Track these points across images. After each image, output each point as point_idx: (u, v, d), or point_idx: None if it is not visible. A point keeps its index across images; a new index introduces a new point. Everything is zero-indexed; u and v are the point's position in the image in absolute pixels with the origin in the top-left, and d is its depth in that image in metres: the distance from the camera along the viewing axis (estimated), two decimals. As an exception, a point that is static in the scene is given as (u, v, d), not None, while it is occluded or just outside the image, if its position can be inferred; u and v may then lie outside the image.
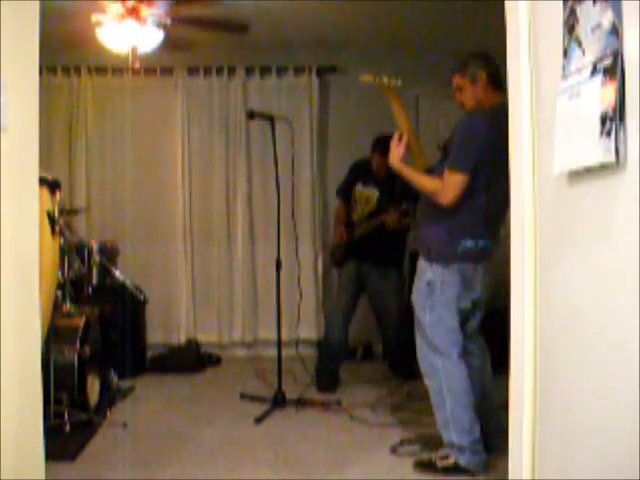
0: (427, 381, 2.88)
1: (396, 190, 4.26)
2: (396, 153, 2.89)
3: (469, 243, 2.79)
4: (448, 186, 2.72)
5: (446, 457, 2.82)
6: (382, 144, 4.37)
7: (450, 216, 2.78)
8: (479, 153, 2.70)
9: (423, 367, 2.90)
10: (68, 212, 3.93)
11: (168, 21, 4.06)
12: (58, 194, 3.06)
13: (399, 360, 4.63)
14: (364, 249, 4.39)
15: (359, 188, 4.49)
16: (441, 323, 2.83)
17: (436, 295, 2.82)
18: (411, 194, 4.21)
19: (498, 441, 2.64)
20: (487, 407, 2.93)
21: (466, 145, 2.73)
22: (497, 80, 2.85)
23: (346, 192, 4.58)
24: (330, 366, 4.41)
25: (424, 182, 2.87)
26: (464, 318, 2.90)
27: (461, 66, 2.91)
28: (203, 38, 4.61)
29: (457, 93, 2.92)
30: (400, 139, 2.90)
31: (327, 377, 4.37)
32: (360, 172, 4.55)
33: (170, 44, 4.38)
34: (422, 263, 2.90)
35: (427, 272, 2.85)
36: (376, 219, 4.33)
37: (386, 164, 4.32)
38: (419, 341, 2.90)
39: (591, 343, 1.50)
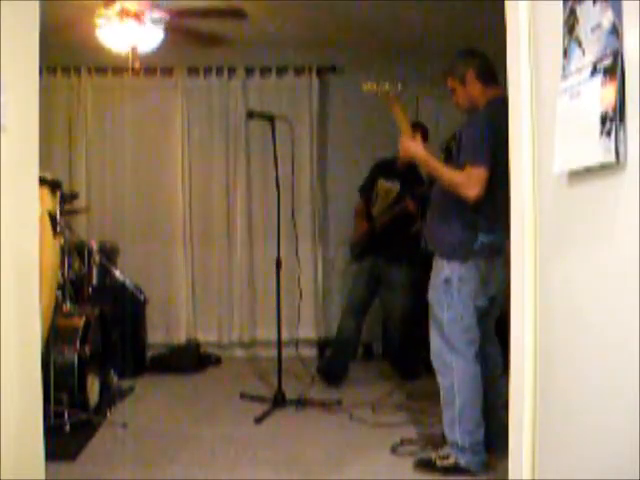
0: (439, 378, 2.87)
1: (417, 181, 4.40)
2: (417, 145, 2.86)
3: (485, 238, 2.78)
4: (473, 180, 2.69)
5: (446, 457, 2.81)
6: (420, 126, 4.48)
7: (464, 212, 2.77)
8: (491, 147, 2.68)
9: (436, 364, 2.89)
10: (69, 207, 3.89)
11: (167, 17, 4.05)
12: (59, 193, 3.06)
13: (401, 359, 4.66)
14: (383, 244, 4.49)
15: (381, 182, 4.63)
16: (458, 321, 2.81)
17: (454, 292, 2.80)
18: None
19: (499, 441, 2.63)
20: (494, 407, 2.90)
21: (480, 140, 2.71)
22: (488, 74, 2.85)
23: (367, 190, 4.71)
24: (339, 358, 4.49)
25: (449, 173, 2.80)
26: (481, 316, 2.88)
27: (450, 68, 2.92)
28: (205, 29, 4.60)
29: (453, 95, 2.94)
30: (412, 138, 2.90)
31: (336, 369, 4.42)
32: (383, 169, 4.69)
33: (175, 37, 4.37)
34: (438, 261, 2.87)
35: (444, 269, 2.82)
36: (399, 205, 4.46)
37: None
38: (435, 338, 2.89)
39: (591, 343, 1.50)
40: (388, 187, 4.59)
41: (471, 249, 2.78)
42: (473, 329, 2.83)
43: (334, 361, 4.55)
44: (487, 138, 2.69)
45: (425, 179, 4.24)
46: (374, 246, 4.53)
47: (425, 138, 4.49)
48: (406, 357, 4.65)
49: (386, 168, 4.65)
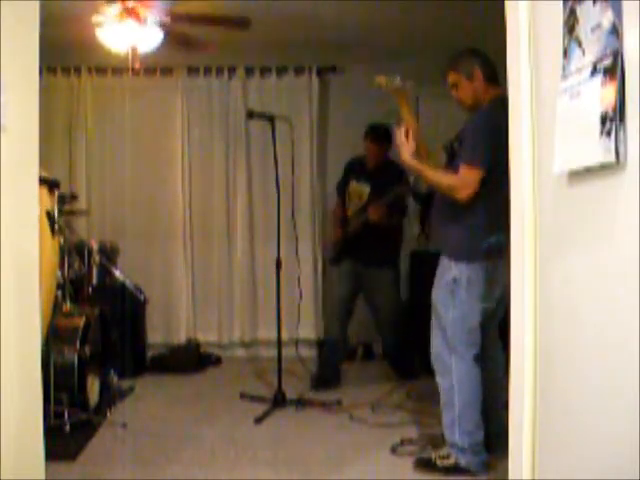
0: (439, 379, 2.87)
1: (387, 184, 4.32)
2: (406, 149, 2.84)
3: (493, 239, 2.75)
4: (466, 182, 2.69)
5: (446, 457, 2.81)
6: (375, 132, 4.44)
7: (472, 212, 2.76)
8: (494, 147, 2.65)
9: (436, 365, 2.88)
10: (68, 212, 3.93)
11: (168, 20, 4.05)
12: (57, 192, 3.06)
13: (399, 359, 4.66)
14: (358, 247, 4.43)
15: (353, 184, 4.55)
16: (463, 322, 2.79)
17: (461, 293, 2.78)
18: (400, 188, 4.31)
19: (499, 441, 2.63)
20: (495, 407, 2.89)
21: (479, 140, 2.71)
22: (492, 74, 2.85)
23: (342, 189, 4.65)
24: (330, 362, 4.45)
25: (439, 177, 2.83)
26: (487, 317, 2.86)
27: (454, 63, 2.91)
28: (204, 36, 4.60)
29: (453, 91, 2.92)
30: (406, 136, 2.85)
31: (325, 372, 4.40)
32: (354, 168, 4.61)
33: (172, 42, 4.36)
34: (445, 261, 2.86)
35: (452, 270, 2.81)
36: (363, 215, 4.38)
37: (378, 152, 4.37)
38: (436, 339, 2.88)
39: (591, 343, 1.50)
40: (359, 189, 4.51)
41: (478, 250, 2.77)
42: (476, 331, 2.82)
43: (325, 366, 4.50)
44: (487, 138, 2.68)
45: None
46: (349, 250, 4.47)
47: (383, 141, 4.41)
48: (404, 357, 4.64)
49: (357, 168, 4.58)
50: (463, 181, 2.71)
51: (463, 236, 2.82)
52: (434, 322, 2.90)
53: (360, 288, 4.51)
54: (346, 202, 4.60)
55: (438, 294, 2.87)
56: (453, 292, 2.80)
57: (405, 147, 2.84)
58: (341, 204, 4.65)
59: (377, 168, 4.47)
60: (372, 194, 4.41)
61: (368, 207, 4.35)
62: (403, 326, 4.60)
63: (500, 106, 2.69)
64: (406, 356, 4.62)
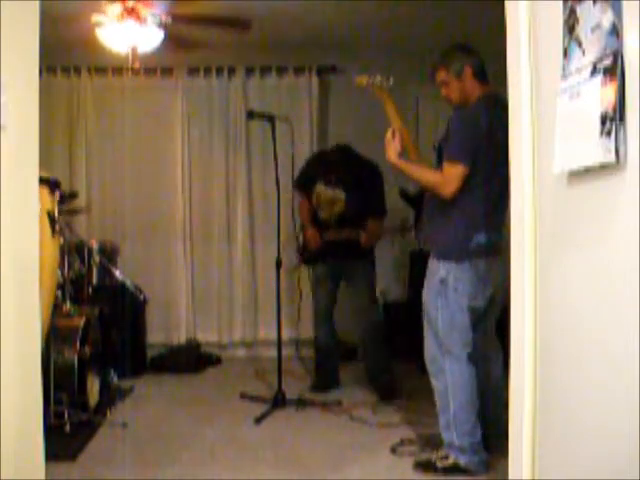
0: (433, 381, 2.86)
1: (362, 188, 4.22)
2: (392, 149, 2.82)
3: (481, 237, 2.74)
4: (449, 178, 2.69)
5: (446, 457, 2.81)
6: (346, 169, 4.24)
7: (459, 211, 2.75)
8: (478, 143, 2.67)
9: (430, 367, 2.87)
10: (69, 206, 3.91)
11: (169, 20, 4.05)
12: (58, 193, 3.06)
13: (377, 371, 4.31)
14: (334, 248, 4.27)
15: (321, 188, 4.29)
16: (453, 323, 2.78)
17: (449, 293, 2.77)
18: (381, 202, 4.22)
19: (499, 441, 2.63)
20: (494, 407, 2.89)
21: (463, 136, 2.71)
22: (482, 72, 2.85)
23: (307, 187, 4.35)
24: (326, 365, 4.40)
25: (424, 175, 2.83)
26: (479, 317, 2.85)
27: (444, 61, 2.90)
28: (203, 38, 4.61)
29: (442, 88, 2.92)
30: (393, 135, 2.84)
31: (323, 377, 4.36)
32: (321, 168, 4.33)
33: (171, 44, 4.37)
34: (433, 262, 2.84)
35: (439, 270, 2.79)
36: (350, 232, 4.20)
37: (352, 168, 4.26)
38: (428, 340, 2.87)
39: (591, 343, 1.50)
40: (331, 195, 4.26)
41: (467, 249, 2.76)
42: (467, 331, 2.80)
43: (321, 372, 4.39)
44: (470, 135, 2.68)
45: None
46: (326, 253, 4.27)
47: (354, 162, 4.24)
48: (384, 374, 4.26)
49: (325, 168, 4.29)
50: (445, 178, 2.70)
51: (450, 235, 2.80)
52: (426, 324, 2.88)
53: (339, 284, 4.34)
54: (313, 201, 4.32)
55: (428, 296, 2.86)
56: (441, 293, 2.78)
57: (391, 147, 2.82)
58: (309, 203, 4.35)
59: (348, 173, 4.25)
60: (349, 203, 4.22)
61: (356, 225, 4.17)
62: (380, 330, 4.32)
63: (488, 104, 2.70)
64: (387, 374, 4.27)
